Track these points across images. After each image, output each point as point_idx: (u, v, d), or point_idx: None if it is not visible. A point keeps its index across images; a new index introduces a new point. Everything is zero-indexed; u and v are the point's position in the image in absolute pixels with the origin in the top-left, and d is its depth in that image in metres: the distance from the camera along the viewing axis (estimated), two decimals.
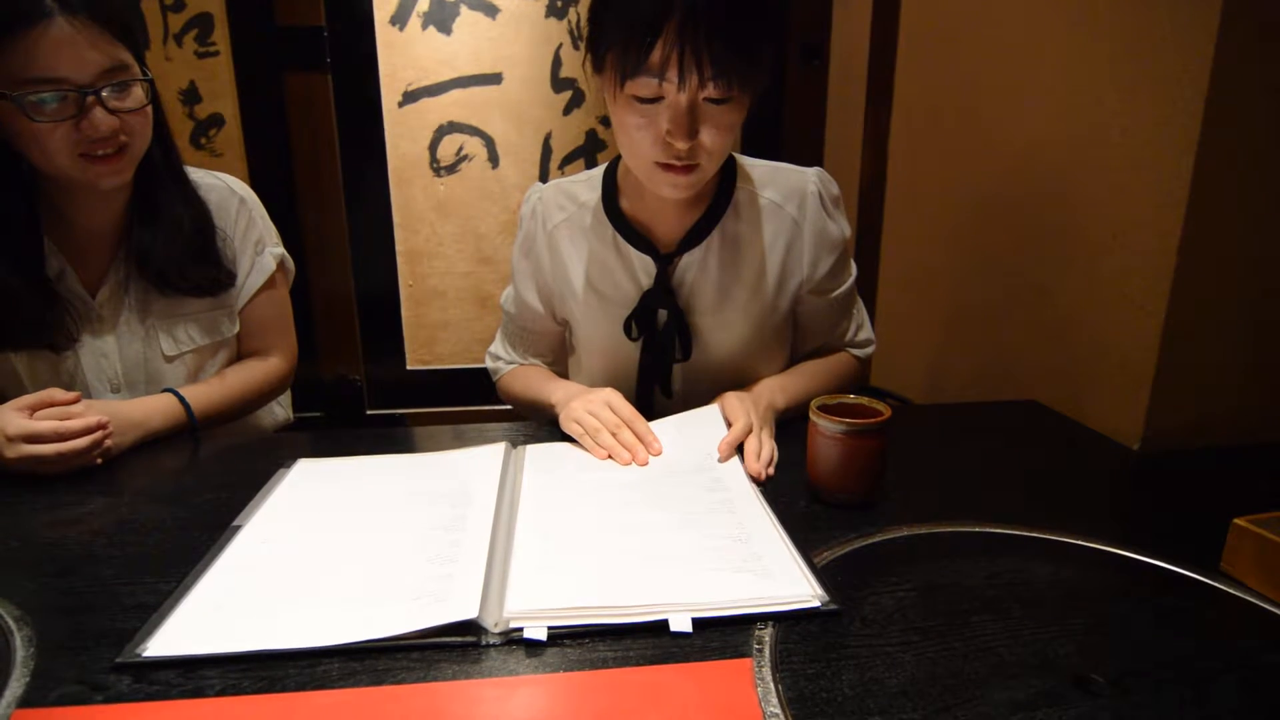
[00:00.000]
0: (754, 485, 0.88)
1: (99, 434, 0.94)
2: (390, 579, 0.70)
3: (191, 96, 2.11)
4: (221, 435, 1.14)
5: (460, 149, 2.22)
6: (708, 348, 1.09)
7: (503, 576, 0.69)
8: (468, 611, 0.62)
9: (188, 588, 0.69)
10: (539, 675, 0.59)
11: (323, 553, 0.75)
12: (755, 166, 1.09)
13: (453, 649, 0.61)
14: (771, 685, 0.57)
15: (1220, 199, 0.96)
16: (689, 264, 1.06)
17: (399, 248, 2.28)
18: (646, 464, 0.93)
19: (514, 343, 1.22)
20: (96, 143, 0.96)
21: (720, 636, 0.63)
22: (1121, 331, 1.07)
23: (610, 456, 0.95)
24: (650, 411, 1.03)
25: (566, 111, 2.23)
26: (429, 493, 0.87)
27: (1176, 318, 1.00)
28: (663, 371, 1.10)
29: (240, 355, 1.23)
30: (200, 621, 0.64)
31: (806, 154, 2.26)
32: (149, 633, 0.62)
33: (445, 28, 2.13)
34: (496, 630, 0.63)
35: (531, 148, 2.25)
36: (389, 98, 2.16)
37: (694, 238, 1.05)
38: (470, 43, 2.15)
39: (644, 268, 1.07)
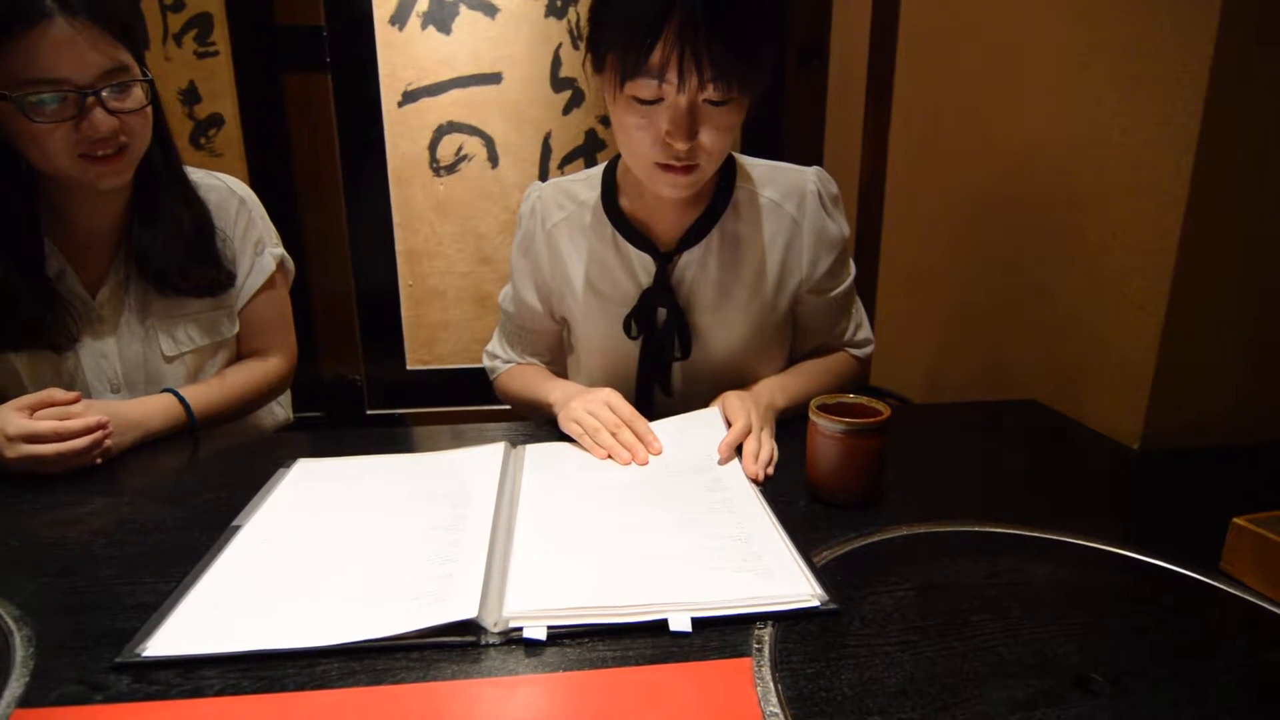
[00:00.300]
0: (754, 485, 0.88)
1: (99, 434, 0.95)
2: (390, 579, 0.70)
3: (191, 96, 2.11)
4: (221, 435, 1.14)
5: (460, 149, 2.22)
6: (707, 346, 1.09)
7: (502, 576, 0.69)
8: (467, 611, 0.62)
9: (187, 588, 0.69)
10: (538, 675, 0.59)
11: (322, 552, 0.75)
12: (755, 165, 1.09)
13: (452, 649, 0.61)
14: (771, 685, 0.57)
15: (1220, 199, 0.96)
16: (688, 263, 1.06)
17: (399, 247, 2.28)
18: (646, 464, 0.93)
19: (512, 342, 1.22)
20: (96, 143, 0.96)
21: (720, 636, 0.63)
22: (1121, 331, 1.07)
23: (610, 456, 0.95)
24: (650, 411, 1.03)
25: (566, 111, 2.23)
26: (429, 493, 0.87)
27: (1176, 317, 1.00)
28: (662, 370, 1.10)
29: (240, 355, 1.23)
30: (200, 621, 0.64)
31: (806, 154, 2.26)
32: (149, 633, 0.62)
33: (445, 27, 2.13)
34: (496, 630, 0.63)
35: (531, 147, 2.25)
36: (388, 97, 2.16)
37: (693, 236, 1.05)
38: (470, 42, 2.15)
39: (643, 266, 1.07)
